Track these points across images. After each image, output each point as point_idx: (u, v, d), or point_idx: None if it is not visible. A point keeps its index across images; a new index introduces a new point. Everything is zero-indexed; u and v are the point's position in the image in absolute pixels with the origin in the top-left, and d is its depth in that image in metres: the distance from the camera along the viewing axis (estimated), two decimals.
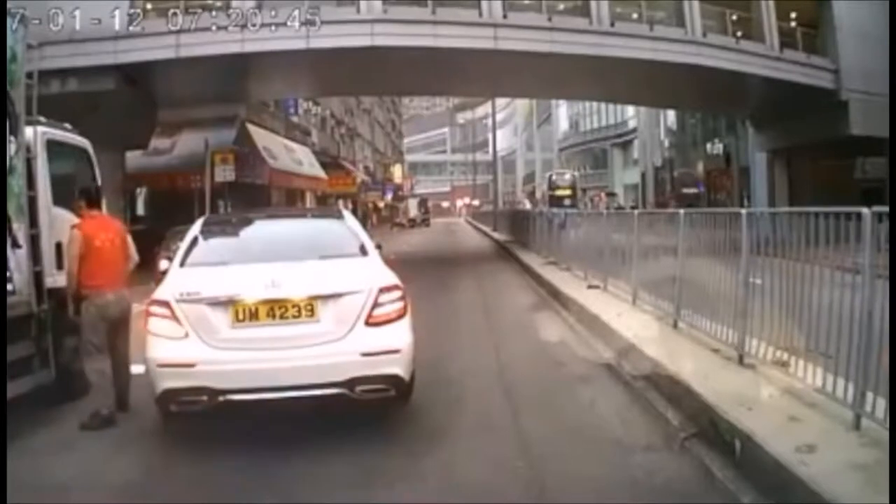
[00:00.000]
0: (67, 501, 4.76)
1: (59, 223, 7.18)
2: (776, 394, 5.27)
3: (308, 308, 5.47)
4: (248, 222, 7.67)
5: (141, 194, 12.95)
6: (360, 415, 5.73)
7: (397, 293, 5.70)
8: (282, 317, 5.47)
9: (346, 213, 7.44)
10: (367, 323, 5.52)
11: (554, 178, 55.40)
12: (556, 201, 46.20)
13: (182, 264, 6.18)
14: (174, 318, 5.49)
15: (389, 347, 5.52)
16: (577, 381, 7.23)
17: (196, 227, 6.79)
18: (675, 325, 7.87)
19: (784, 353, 5.67)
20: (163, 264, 8.07)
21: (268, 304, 5.46)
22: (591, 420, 5.99)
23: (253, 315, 5.46)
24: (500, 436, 5.67)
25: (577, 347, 8.68)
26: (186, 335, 5.45)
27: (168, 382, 5.46)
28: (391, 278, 5.86)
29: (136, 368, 7.47)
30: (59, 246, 7.11)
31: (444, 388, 6.97)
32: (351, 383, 5.39)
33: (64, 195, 7.38)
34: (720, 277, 6.76)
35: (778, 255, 6.07)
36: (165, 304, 5.56)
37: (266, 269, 5.76)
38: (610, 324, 8.62)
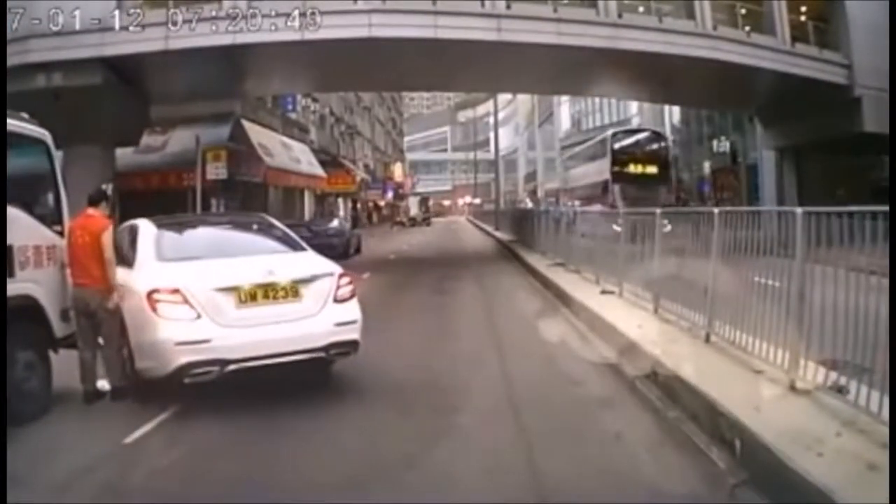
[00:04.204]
0: (67, 501, 4.67)
1: (10, 225, 6.34)
2: (843, 430, 4.39)
3: (293, 290, 6.68)
4: (192, 224, 8.82)
5: (107, 190, 12.28)
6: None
7: (348, 278, 7.11)
8: (274, 298, 6.61)
9: (268, 216, 9.08)
10: (335, 300, 6.83)
11: (623, 141, 30.52)
12: (628, 184, 27.16)
13: (158, 259, 7.03)
14: (186, 302, 6.37)
15: (352, 318, 6.88)
16: (597, 405, 6.35)
17: (150, 230, 7.45)
18: (707, 339, 6.99)
19: (843, 378, 4.84)
20: None
21: (264, 288, 6.59)
22: (618, 458, 5.09)
23: (252, 297, 6.56)
24: (512, 476, 4.83)
25: (594, 363, 7.77)
26: (199, 316, 6.37)
27: (185, 358, 6.28)
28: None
29: (102, 383, 6.89)
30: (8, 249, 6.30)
31: (448, 414, 6.18)
32: (328, 348, 6.70)
33: (18, 192, 6.57)
34: (764, 286, 5.89)
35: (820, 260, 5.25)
36: (176, 291, 6.41)
37: (255, 261, 6.96)
38: (631, 336, 7.69)
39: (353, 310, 6.94)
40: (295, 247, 7.58)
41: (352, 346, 6.89)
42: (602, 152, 31.77)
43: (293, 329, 6.53)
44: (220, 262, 6.93)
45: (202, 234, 8.09)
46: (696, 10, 21.70)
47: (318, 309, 6.69)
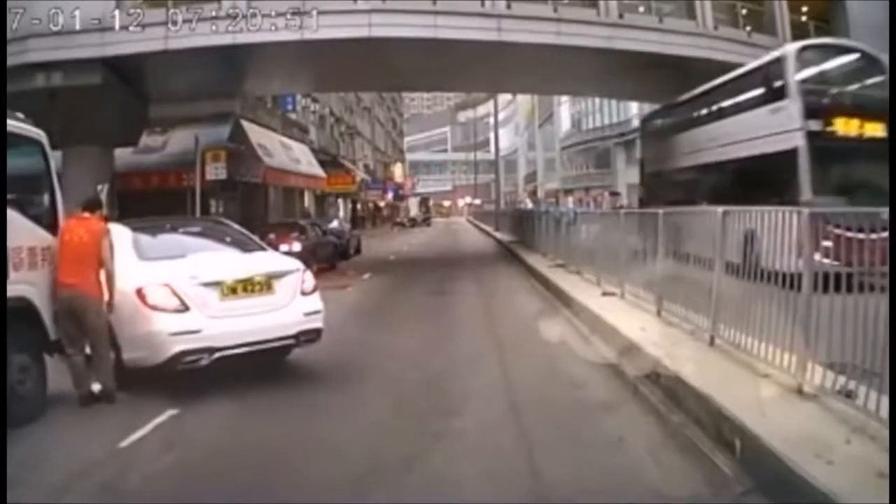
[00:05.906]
0: (67, 501, 4.67)
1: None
2: (852, 437, 4.30)
3: (268, 284, 7.34)
4: (161, 228, 8.98)
5: (102, 191, 12.21)
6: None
7: (311, 273, 7.88)
8: (252, 291, 7.26)
9: (228, 221, 9.67)
10: (302, 293, 7.54)
11: (819, 67, 13.59)
12: (836, 159, 12.37)
13: (141, 259, 7.42)
14: (176, 296, 6.89)
15: (317, 309, 7.62)
16: (599, 408, 6.26)
17: (125, 233, 7.72)
18: (711, 343, 6.88)
19: (851, 382, 4.75)
20: None
21: (243, 283, 7.22)
22: (621, 462, 5.02)
23: (233, 291, 7.17)
24: (512, 480, 4.74)
25: (596, 366, 7.68)
26: (188, 309, 6.91)
27: (179, 346, 6.80)
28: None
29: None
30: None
31: (448, 416, 6.10)
32: (298, 336, 7.44)
33: (12, 192, 6.46)
34: (770, 289, 5.79)
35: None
36: (166, 286, 6.92)
37: (230, 258, 7.78)
38: (633, 339, 7.58)
39: (317, 301, 7.65)
40: (257, 247, 8.29)
41: (317, 333, 7.58)
42: (772, 91, 14.50)
43: (269, 319, 7.21)
44: (199, 260, 7.49)
45: (174, 236, 8.68)
46: (697, 10, 21.62)
47: (288, 301, 7.39)
